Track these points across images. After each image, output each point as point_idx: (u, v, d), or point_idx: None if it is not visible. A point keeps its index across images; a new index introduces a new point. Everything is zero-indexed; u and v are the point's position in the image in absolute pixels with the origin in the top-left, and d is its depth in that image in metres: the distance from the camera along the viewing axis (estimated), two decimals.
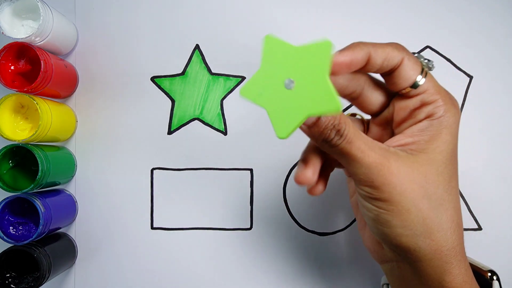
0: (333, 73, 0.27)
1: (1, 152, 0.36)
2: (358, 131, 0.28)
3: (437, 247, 0.27)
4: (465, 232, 0.41)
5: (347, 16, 0.42)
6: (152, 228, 0.42)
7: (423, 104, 0.29)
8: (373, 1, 0.42)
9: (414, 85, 0.29)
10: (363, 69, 0.29)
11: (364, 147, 0.27)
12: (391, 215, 0.27)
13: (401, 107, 0.30)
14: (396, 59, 0.28)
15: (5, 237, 0.36)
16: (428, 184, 0.27)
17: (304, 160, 0.30)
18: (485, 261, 0.41)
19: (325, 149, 0.28)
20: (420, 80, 0.29)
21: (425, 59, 0.30)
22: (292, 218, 0.42)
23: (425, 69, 0.29)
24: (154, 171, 0.42)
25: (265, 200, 0.42)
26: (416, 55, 0.30)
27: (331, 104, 0.24)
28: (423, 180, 0.27)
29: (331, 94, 0.24)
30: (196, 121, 0.42)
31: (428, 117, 0.29)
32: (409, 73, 0.28)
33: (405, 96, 0.30)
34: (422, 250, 0.28)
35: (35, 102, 0.36)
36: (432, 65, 0.30)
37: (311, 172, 0.29)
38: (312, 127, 0.28)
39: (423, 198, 0.27)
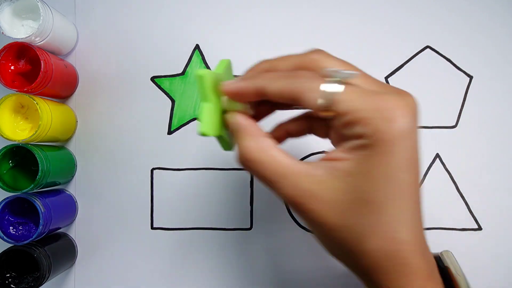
0: (233, 99, 0.28)
1: (1, 152, 0.36)
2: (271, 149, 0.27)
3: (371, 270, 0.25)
4: (465, 232, 0.41)
5: (347, 16, 0.42)
6: (152, 228, 0.42)
7: (346, 124, 0.26)
8: (373, 1, 0.42)
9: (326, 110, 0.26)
10: (267, 99, 0.28)
11: (274, 178, 0.27)
12: (317, 238, 0.27)
13: (333, 125, 0.27)
14: (293, 92, 0.26)
15: (5, 237, 0.36)
16: (350, 209, 0.25)
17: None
18: (485, 261, 0.41)
19: None
20: (326, 107, 0.26)
21: (338, 71, 0.26)
22: (292, 218, 0.42)
23: (330, 91, 0.25)
24: (154, 171, 0.42)
25: (265, 200, 0.42)
26: (330, 70, 0.27)
27: (200, 127, 0.27)
28: (344, 205, 0.25)
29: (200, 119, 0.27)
30: (196, 121, 0.42)
31: (355, 137, 0.26)
32: (310, 103, 0.26)
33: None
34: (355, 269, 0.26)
35: (35, 102, 0.36)
36: (344, 75, 0.26)
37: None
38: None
39: (343, 226, 0.25)
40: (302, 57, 0.28)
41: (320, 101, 0.26)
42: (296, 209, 0.26)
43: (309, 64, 0.28)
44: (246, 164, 0.27)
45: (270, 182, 0.27)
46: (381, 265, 0.25)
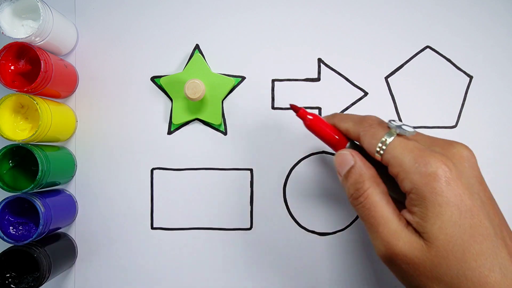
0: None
1: (1, 152, 0.36)
2: (382, 199, 0.29)
3: None
4: None
5: (347, 16, 0.42)
6: (152, 228, 0.42)
7: (395, 175, 0.29)
8: (373, 1, 0.42)
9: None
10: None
11: (380, 220, 0.28)
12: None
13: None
14: (353, 134, 0.32)
15: (5, 237, 0.36)
16: (440, 270, 0.26)
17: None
18: None
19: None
20: (378, 152, 0.29)
21: (397, 126, 0.29)
22: (292, 218, 0.42)
23: (386, 137, 0.29)
24: (154, 171, 0.42)
25: (265, 200, 0.42)
26: (389, 122, 0.30)
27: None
28: (434, 268, 0.26)
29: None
30: (196, 121, 0.42)
31: (406, 191, 0.28)
32: (368, 146, 0.30)
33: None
34: None
35: (35, 102, 0.36)
36: (404, 131, 0.29)
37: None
38: (345, 176, 0.31)
39: (432, 283, 0.26)
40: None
41: (377, 148, 0.29)
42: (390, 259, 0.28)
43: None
44: (363, 201, 0.29)
45: (375, 224, 0.29)
46: None
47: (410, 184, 0.27)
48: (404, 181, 0.27)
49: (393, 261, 0.27)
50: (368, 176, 0.30)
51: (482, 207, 0.27)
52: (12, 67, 0.37)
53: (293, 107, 0.35)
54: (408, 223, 0.28)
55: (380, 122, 0.31)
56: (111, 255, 0.42)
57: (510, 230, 0.28)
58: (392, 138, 0.29)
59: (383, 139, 0.29)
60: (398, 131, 0.29)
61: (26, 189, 0.36)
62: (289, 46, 0.42)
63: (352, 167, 0.31)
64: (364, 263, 0.41)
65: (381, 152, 0.29)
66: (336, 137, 0.33)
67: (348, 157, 0.31)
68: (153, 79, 0.42)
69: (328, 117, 0.34)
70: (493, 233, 0.26)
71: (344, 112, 0.42)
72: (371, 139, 0.29)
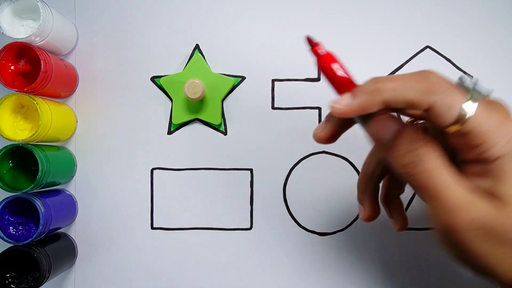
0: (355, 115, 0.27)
1: (1, 152, 0.36)
2: (443, 164, 0.25)
3: None
4: None
5: (347, 16, 0.42)
6: (152, 228, 0.42)
7: (469, 146, 0.26)
8: (373, 1, 0.42)
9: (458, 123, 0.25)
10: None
11: (443, 188, 0.25)
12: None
13: (453, 139, 0.26)
14: (428, 105, 0.25)
15: (5, 237, 0.36)
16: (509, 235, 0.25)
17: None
18: None
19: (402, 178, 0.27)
20: (451, 125, 0.25)
21: (476, 85, 0.26)
22: (292, 218, 0.42)
23: (468, 104, 0.25)
24: (154, 171, 0.42)
25: (265, 200, 0.42)
26: (461, 80, 0.26)
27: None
28: (507, 231, 0.25)
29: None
30: (196, 121, 0.42)
31: (479, 160, 0.26)
32: (439, 121, 0.25)
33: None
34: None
35: (35, 102, 0.36)
36: (487, 92, 0.26)
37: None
38: (388, 149, 0.27)
39: (502, 248, 0.25)
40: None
41: (457, 118, 0.25)
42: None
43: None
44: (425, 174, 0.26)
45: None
46: None
47: (498, 152, 0.25)
48: (491, 150, 0.25)
49: (456, 232, 0.25)
50: (423, 140, 0.26)
51: None
52: (12, 67, 0.37)
53: (309, 40, 0.29)
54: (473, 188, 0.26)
55: (451, 84, 0.25)
56: (111, 255, 0.42)
57: None
58: (475, 104, 0.25)
59: (464, 107, 0.24)
60: (481, 93, 0.25)
61: (26, 189, 0.36)
62: (289, 46, 0.42)
63: (401, 132, 0.26)
64: (364, 263, 0.41)
65: (464, 121, 0.24)
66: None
67: (393, 121, 0.26)
68: (153, 79, 0.42)
69: (349, 100, 0.27)
70: None
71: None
72: (448, 109, 0.24)
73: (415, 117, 0.29)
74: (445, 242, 0.26)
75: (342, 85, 0.27)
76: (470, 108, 0.24)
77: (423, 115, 0.26)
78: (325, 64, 0.28)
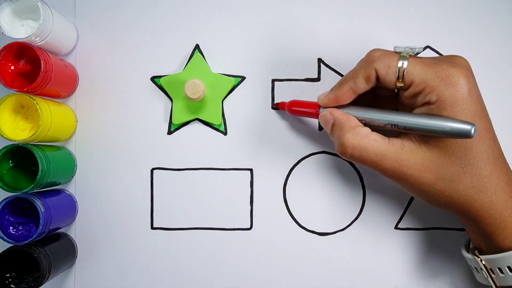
0: (333, 105, 0.36)
1: (1, 152, 0.36)
2: (370, 140, 0.33)
3: (463, 210, 0.33)
4: (464, 232, 0.41)
5: (347, 16, 0.42)
6: (152, 228, 0.42)
7: (415, 95, 0.32)
8: (373, 1, 0.42)
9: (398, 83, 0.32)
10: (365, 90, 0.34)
11: (377, 156, 0.32)
12: (416, 195, 0.34)
13: (402, 96, 0.33)
14: (371, 78, 0.33)
15: (5, 237, 0.36)
16: (440, 167, 0.32)
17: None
18: None
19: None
20: (396, 81, 0.32)
21: (404, 48, 0.32)
22: (292, 218, 0.42)
23: (402, 62, 0.31)
24: (154, 171, 0.42)
25: (265, 200, 0.42)
26: (395, 48, 0.33)
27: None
28: (434, 166, 0.32)
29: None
30: (196, 121, 0.42)
31: (424, 104, 0.32)
32: (387, 80, 0.32)
33: (402, 88, 0.33)
34: (452, 211, 0.34)
35: (35, 102, 0.36)
36: (414, 50, 0.32)
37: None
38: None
39: (437, 180, 0.32)
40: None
41: (397, 74, 0.31)
42: (398, 177, 0.32)
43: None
44: (349, 152, 0.33)
45: (373, 163, 0.32)
46: (473, 198, 0.32)
47: (436, 96, 0.30)
48: (429, 95, 0.31)
49: (403, 179, 0.32)
50: (348, 127, 0.33)
51: (486, 112, 0.33)
52: (12, 67, 0.37)
53: (276, 106, 0.41)
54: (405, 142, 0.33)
55: (386, 52, 0.33)
56: (111, 255, 0.42)
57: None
58: (407, 61, 0.31)
59: (400, 64, 0.31)
60: (409, 52, 0.32)
61: (26, 189, 0.36)
62: (289, 46, 0.42)
63: (333, 124, 0.34)
64: (364, 263, 0.41)
65: (403, 75, 0.31)
66: (313, 110, 0.37)
67: (327, 116, 0.35)
68: (153, 79, 0.42)
69: (328, 95, 0.36)
70: (491, 136, 0.33)
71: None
72: (387, 69, 0.31)
73: (386, 95, 0.36)
74: (395, 180, 0.33)
75: (311, 106, 0.38)
76: (404, 64, 0.31)
77: (380, 86, 0.33)
78: (293, 108, 0.39)
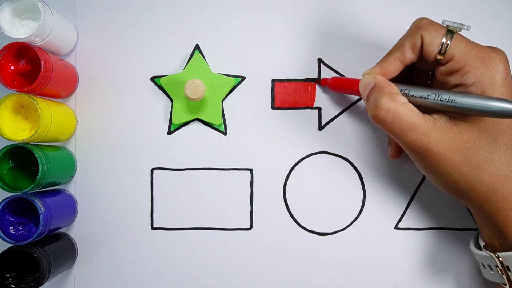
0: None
1: (1, 152, 0.36)
2: (405, 109, 0.32)
3: (483, 199, 0.32)
4: (465, 232, 0.41)
5: (347, 16, 0.42)
6: (152, 228, 0.42)
7: (452, 72, 0.32)
8: (373, 1, 0.42)
9: (440, 54, 0.32)
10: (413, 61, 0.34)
11: (407, 127, 0.31)
12: (435, 177, 0.33)
13: (438, 72, 0.33)
14: (417, 46, 0.33)
15: (5, 237, 0.36)
16: (468, 151, 0.31)
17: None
18: None
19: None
20: (437, 53, 0.32)
21: (453, 22, 0.32)
22: (292, 218, 0.42)
23: (448, 36, 0.31)
24: (154, 171, 0.42)
25: (265, 200, 0.42)
26: (444, 22, 0.32)
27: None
28: (463, 148, 0.31)
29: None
30: (196, 121, 0.42)
31: (460, 85, 0.32)
32: (428, 50, 0.32)
33: (441, 63, 0.32)
34: (469, 200, 0.33)
35: (35, 102, 0.36)
36: (461, 27, 0.32)
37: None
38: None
39: (462, 164, 0.31)
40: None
41: (441, 45, 0.32)
42: (423, 153, 0.32)
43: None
44: (383, 114, 0.32)
45: (402, 132, 0.32)
46: (496, 187, 0.31)
47: (474, 77, 0.31)
48: (467, 74, 0.31)
49: (427, 156, 0.32)
50: (387, 91, 0.32)
51: None
52: (12, 67, 0.37)
53: (318, 82, 0.41)
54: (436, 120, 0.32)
55: (433, 21, 0.33)
56: (111, 255, 0.42)
57: None
58: (453, 35, 0.31)
59: (445, 37, 0.31)
60: (457, 27, 0.32)
61: (26, 189, 0.36)
62: (289, 46, 0.42)
63: (373, 87, 0.34)
64: (364, 263, 0.41)
65: (446, 48, 0.31)
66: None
67: (368, 79, 0.34)
68: (153, 79, 0.42)
69: (373, 68, 0.35)
70: None
71: (347, 109, 0.42)
72: (432, 38, 0.31)
73: (424, 68, 0.36)
74: (417, 156, 0.33)
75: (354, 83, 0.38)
76: (449, 37, 0.31)
77: (421, 56, 0.33)
78: (336, 84, 0.40)
